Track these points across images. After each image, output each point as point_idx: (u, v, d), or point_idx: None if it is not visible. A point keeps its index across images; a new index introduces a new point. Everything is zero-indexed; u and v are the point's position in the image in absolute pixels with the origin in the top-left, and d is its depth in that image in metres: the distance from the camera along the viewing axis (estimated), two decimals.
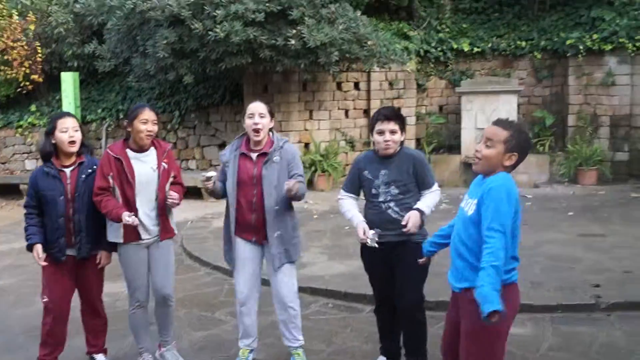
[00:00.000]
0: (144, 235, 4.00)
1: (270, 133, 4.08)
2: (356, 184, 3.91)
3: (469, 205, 2.93)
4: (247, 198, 3.96)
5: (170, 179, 4.06)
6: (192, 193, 10.78)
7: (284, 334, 4.15)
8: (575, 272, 5.76)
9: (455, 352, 3.01)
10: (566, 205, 9.06)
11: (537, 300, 5.00)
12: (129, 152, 4.00)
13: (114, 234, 4.00)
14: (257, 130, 3.95)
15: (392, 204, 3.71)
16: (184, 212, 9.45)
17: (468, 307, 2.84)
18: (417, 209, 3.63)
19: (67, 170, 3.98)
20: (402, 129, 3.73)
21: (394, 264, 3.74)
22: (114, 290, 5.86)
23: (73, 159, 4.02)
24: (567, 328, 4.62)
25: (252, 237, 4.03)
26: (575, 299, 5.03)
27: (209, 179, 3.87)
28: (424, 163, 3.78)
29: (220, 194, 4.10)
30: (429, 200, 3.72)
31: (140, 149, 4.02)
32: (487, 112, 11.01)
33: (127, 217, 3.77)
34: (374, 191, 3.77)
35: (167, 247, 4.13)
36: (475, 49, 12.23)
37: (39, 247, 3.94)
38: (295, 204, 4.09)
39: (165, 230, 4.07)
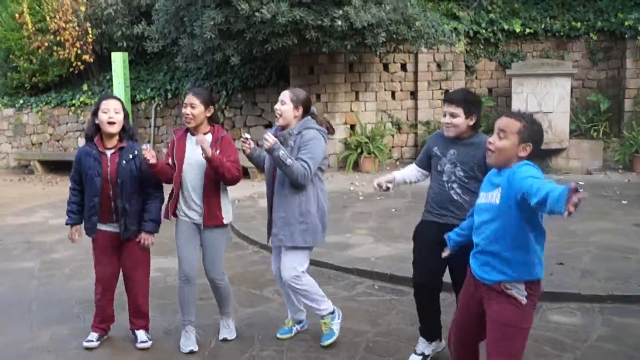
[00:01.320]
0: (180, 214, 4.17)
1: (302, 120, 4.08)
2: (425, 159, 3.94)
3: (492, 197, 2.88)
4: (272, 180, 4.13)
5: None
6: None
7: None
8: (628, 262, 5.60)
9: (466, 341, 3.05)
10: (620, 193, 8.79)
11: (586, 290, 4.89)
12: (189, 135, 4.15)
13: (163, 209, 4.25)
14: (277, 116, 4.10)
15: (455, 185, 3.71)
16: (231, 192, 9.57)
17: (499, 299, 2.85)
18: None
19: (108, 153, 4.13)
20: (468, 112, 3.66)
21: (452, 251, 3.62)
22: (165, 265, 6.02)
23: (114, 142, 4.15)
24: (618, 319, 4.50)
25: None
26: (628, 290, 4.89)
27: (246, 139, 4.04)
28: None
29: (259, 164, 4.27)
30: None
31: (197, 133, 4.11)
32: (538, 95, 10.74)
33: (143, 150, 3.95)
34: (439, 168, 3.77)
35: (215, 233, 4.16)
36: (527, 30, 11.90)
37: (74, 229, 4.31)
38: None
39: (209, 217, 4.10)
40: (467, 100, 3.68)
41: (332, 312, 4.23)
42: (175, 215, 4.20)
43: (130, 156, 4.13)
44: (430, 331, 3.93)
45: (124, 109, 4.16)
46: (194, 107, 4.05)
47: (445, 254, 3.44)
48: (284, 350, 4.13)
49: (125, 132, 4.18)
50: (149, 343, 4.27)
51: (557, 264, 5.54)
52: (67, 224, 4.32)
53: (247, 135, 4.09)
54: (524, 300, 2.82)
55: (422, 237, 3.85)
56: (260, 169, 4.34)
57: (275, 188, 4.07)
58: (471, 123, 3.69)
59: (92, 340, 4.28)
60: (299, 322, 4.41)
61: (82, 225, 4.29)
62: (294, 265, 4.07)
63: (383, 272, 5.51)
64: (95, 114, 4.13)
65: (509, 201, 2.79)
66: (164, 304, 5.04)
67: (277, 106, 4.08)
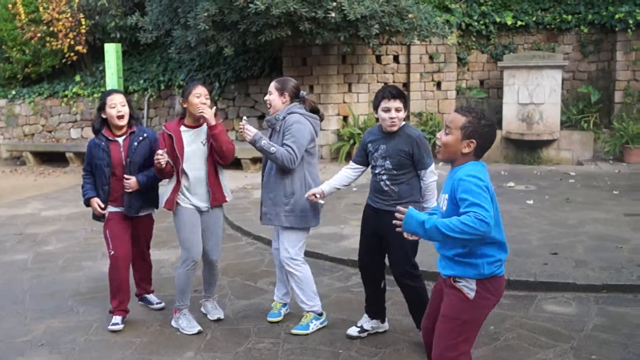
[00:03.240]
0: (184, 202, 4.31)
1: (292, 104, 4.31)
2: (362, 155, 4.15)
3: (442, 202, 2.91)
4: (267, 165, 4.38)
5: None
6: (232, 163, 10.83)
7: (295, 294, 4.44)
8: (621, 252, 5.65)
9: (433, 330, 3.04)
10: (611, 183, 8.87)
11: (581, 280, 4.94)
12: (182, 128, 4.32)
13: (162, 200, 4.42)
14: (268, 106, 4.37)
15: (385, 177, 3.96)
16: None
17: (449, 290, 2.90)
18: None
19: (120, 140, 4.45)
20: (405, 107, 3.94)
21: (384, 233, 3.93)
22: (159, 257, 6.01)
23: (124, 129, 4.47)
24: (612, 309, 4.55)
25: None
26: (621, 279, 4.94)
27: (243, 125, 4.20)
28: (421, 144, 3.90)
29: None
30: (429, 194, 3.97)
31: (196, 125, 4.31)
32: (530, 87, 10.79)
33: (157, 155, 4.16)
34: (373, 162, 4.06)
35: (216, 215, 4.44)
36: (519, 23, 11.93)
37: (97, 200, 4.43)
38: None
39: (214, 198, 4.36)
40: (404, 95, 3.96)
41: (320, 314, 4.37)
42: (175, 205, 4.33)
43: (141, 138, 4.46)
44: (372, 309, 4.21)
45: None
46: (207, 97, 4.31)
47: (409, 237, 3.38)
48: (280, 342, 4.14)
49: (133, 119, 4.51)
50: (163, 303, 4.77)
51: (551, 253, 5.59)
52: (87, 199, 4.46)
53: (245, 119, 4.32)
54: (470, 295, 2.82)
55: (364, 221, 4.19)
56: None
57: (266, 170, 4.34)
58: (404, 116, 3.96)
59: (117, 324, 4.43)
60: (285, 305, 4.60)
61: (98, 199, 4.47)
62: (286, 246, 4.28)
63: None
64: (101, 109, 4.42)
65: (454, 209, 2.79)
66: (158, 296, 5.03)
67: (266, 97, 4.36)
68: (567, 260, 5.41)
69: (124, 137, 4.45)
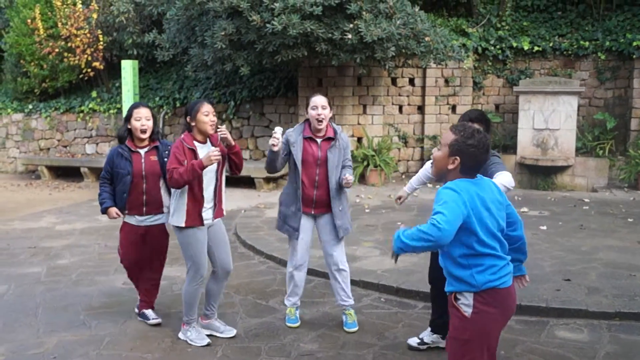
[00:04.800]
0: (206, 216, 4.35)
1: (330, 122, 4.66)
2: None
3: None
4: (310, 176, 4.54)
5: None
6: (245, 183, 10.96)
7: (337, 294, 4.72)
8: (634, 280, 5.59)
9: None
10: (626, 211, 8.79)
11: (593, 307, 4.90)
12: (197, 144, 4.38)
13: (178, 218, 4.30)
14: (320, 120, 4.52)
15: None
16: (237, 201, 9.61)
17: (450, 309, 2.95)
18: None
19: (142, 151, 4.65)
20: (487, 131, 4.02)
21: None
22: (170, 274, 6.03)
23: (146, 142, 4.69)
24: (625, 337, 4.51)
25: (311, 210, 4.62)
26: (634, 307, 4.89)
27: (276, 136, 4.35)
28: (491, 159, 3.97)
29: (277, 167, 4.50)
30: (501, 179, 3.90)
31: (203, 141, 4.39)
32: (545, 112, 10.78)
33: (214, 152, 4.11)
34: None
35: (222, 225, 4.56)
36: (536, 48, 11.97)
37: (114, 209, 4.64)
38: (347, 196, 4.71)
39: (220, 211, 4.51)
40: (486, 119, 4.10)
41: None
42: (201, 222, 4.33)
43: (167, 152, 4.60)
44: (436, 322, 4.28)
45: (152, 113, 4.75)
46: (214, 114, 4.41)
47: None
48: None
49: (154, 133, 4.72)
50: (159, 319, 4.80)
51: (564, 280, 5.55)
52: (106, 207, 4.63)
53: (279, 129, 4.37)
54: (467, 312, 2.84)
55: None
56: (274, 168, 4.51)
57: (331, 186, 4.53)
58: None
59: (156, 318, 4.77)
60: (297, 307, 4.87)
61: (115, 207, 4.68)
62: (342, 249, 4.68)
63: (389, 284, 5.51)
64: (127, 120, 4.64)
65: None
66: (170, 313, 5.05)
67: (320, 111, 4.50)
68: (580, 287, 5.37)
69: (145, 149, 4.66)
